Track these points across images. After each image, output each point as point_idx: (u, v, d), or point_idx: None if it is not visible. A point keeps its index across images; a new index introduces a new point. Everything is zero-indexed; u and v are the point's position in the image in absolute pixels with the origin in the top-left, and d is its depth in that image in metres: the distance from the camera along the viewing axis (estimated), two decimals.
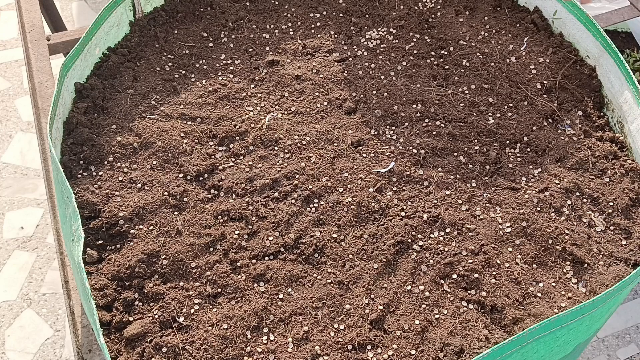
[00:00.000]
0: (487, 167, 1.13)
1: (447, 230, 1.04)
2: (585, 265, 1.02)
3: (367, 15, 1.37)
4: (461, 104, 1.21)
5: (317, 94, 1.22)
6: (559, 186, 1.10)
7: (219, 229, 1.02)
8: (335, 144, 1.14)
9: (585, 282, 1.00)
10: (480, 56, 1.28)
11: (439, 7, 1.38)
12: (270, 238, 1.02)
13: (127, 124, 1.13)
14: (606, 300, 0.85)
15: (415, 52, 1.30)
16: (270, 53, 1.28)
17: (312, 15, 1.36)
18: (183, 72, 1.24)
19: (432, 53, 1.30)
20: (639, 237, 1.05)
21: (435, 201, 1.07)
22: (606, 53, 1.21)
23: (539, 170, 1.13)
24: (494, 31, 1.34)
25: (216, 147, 1.13)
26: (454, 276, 0.99)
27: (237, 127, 1.15)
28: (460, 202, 1.08)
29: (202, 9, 1.34)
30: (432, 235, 1.04)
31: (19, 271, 1.92)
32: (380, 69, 1.27)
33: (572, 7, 1.28)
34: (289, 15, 1.36)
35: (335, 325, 0.94)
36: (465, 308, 0.96)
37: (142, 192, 1.05)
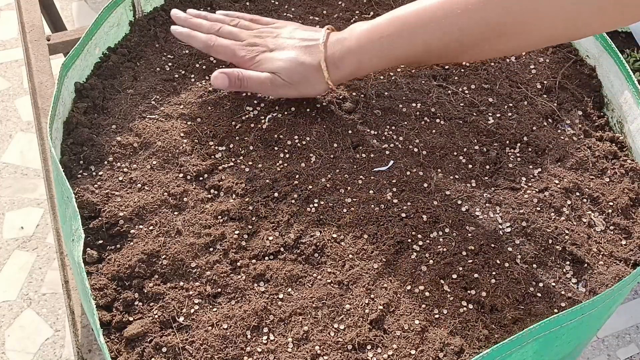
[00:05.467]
0: (487, 167, 1.13)
1: (447, 230, 1.04)
2: (585, 265, 1.02)
3: (367, 15, 1.37)
4: (461, 104, 1.21)
5: None
6: (559, 186, 1.10)
7: (219, 229, 1.02)
8: (335, 144, 1.14)
9: (585, 282, 1.00)
10: None
11: None
12: (270, 238, 1.02)
13: (127, 124, 1.13)
14: (606, 300, 0.85)
15: None
16: None
17: (312, 15, 1.36)
18: (183, 72, 1.24)
19: None
20: (639, 237, 1.05)
21: (435, 201, 1.07)
22: (606, 53, 1.21)
23: (539, 170, 1.13)
24: None
25: (216, 147, 1.13)
26: (454, 276, 0.99)
27: (237, 127, 1.15)
28: (460, 202, 1.08)
29: (202, 9, 1.34)
30: (432, 235, 1.03)
31: (19, 271, 1.92)
32: None
33: None
34: (289, 15, 1.36)
35: (335, 325, 0.94)
36: (465, 308, 0.96)
37: (142, 192, 1.05)
